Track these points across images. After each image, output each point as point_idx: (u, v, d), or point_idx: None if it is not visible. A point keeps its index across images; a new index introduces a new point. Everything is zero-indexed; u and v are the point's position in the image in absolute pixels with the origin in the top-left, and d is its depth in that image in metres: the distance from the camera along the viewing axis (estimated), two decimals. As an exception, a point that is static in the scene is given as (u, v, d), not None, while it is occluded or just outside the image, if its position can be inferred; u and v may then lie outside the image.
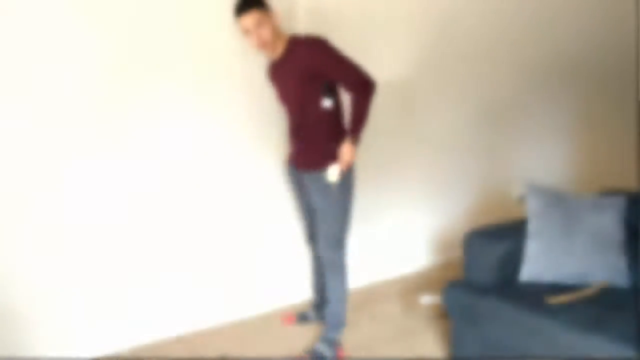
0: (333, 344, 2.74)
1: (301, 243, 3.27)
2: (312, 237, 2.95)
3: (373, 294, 3.42)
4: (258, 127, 3.02)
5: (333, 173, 2.56)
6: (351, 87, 2.55)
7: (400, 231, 3.52)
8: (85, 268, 2.70)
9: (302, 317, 3.05)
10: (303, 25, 3.02)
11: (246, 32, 2.53)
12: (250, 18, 2.48)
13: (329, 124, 2.63)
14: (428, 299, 3.25)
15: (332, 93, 2.60)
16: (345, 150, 2.56)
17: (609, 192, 2.64)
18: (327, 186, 2.59)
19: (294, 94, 2.64)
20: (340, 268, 2.71)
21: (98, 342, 2.78)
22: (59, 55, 2.49)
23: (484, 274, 2.41)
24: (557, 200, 2.42)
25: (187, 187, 2.90)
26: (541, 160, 4.24)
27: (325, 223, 2.66)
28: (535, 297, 2.22)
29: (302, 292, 3.34)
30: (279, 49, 2.60)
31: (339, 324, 2.76)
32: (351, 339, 2.89)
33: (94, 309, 2.75)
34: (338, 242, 2.68)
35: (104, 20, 2.55)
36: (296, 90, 2.61)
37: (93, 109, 2.59)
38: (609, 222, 2.38)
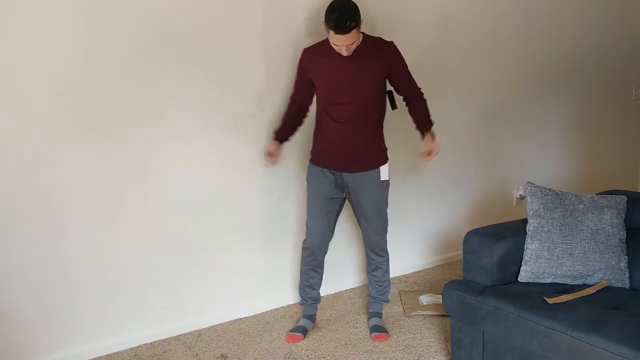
0: (382, 316, 3.07)
1: (300, 244, 3.27)
2: (325, 239, 2.93)
3: (373, 294, 3.41)
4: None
5: (385, 172, 2.81)
6: (413, 93, 2.80)
7: (401, 231, 3.51)
8: (85, 268, 2.70)
9: (303, 330, 2.94)
10: (302, 24, 3.03)
11: (338, 44, 2.56)
12: (349, 38, 2.52)
13: (380, 127, 2.80)
14: (428, 299, 3.25)
15: (392, 101, 2.84)
16: (435, 145, 2.75)
17: (609, 192, 2.64)
18: (381, 183, 2.81)
19: (365, 88, 2.69)
20: (387, 253, 2.99)
21: (98, 342, 2.78)
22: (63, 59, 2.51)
23: (484, 274, 2.41)
24: (557, 200, 2.42)
25: (186, 191, 2.91)
26: (541, 161, 4.23)
27: (377, 216, 2.87)
28: (535, 297, 2.22)
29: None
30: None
31: (386, 301, 3.07)
32: (352, 339, 2.90)
33: (93, 309, 2.76)
34: (385, 230, 2.94)
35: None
36: (369, 86, 2.69)
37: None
38: (609, 222, 2.38)
